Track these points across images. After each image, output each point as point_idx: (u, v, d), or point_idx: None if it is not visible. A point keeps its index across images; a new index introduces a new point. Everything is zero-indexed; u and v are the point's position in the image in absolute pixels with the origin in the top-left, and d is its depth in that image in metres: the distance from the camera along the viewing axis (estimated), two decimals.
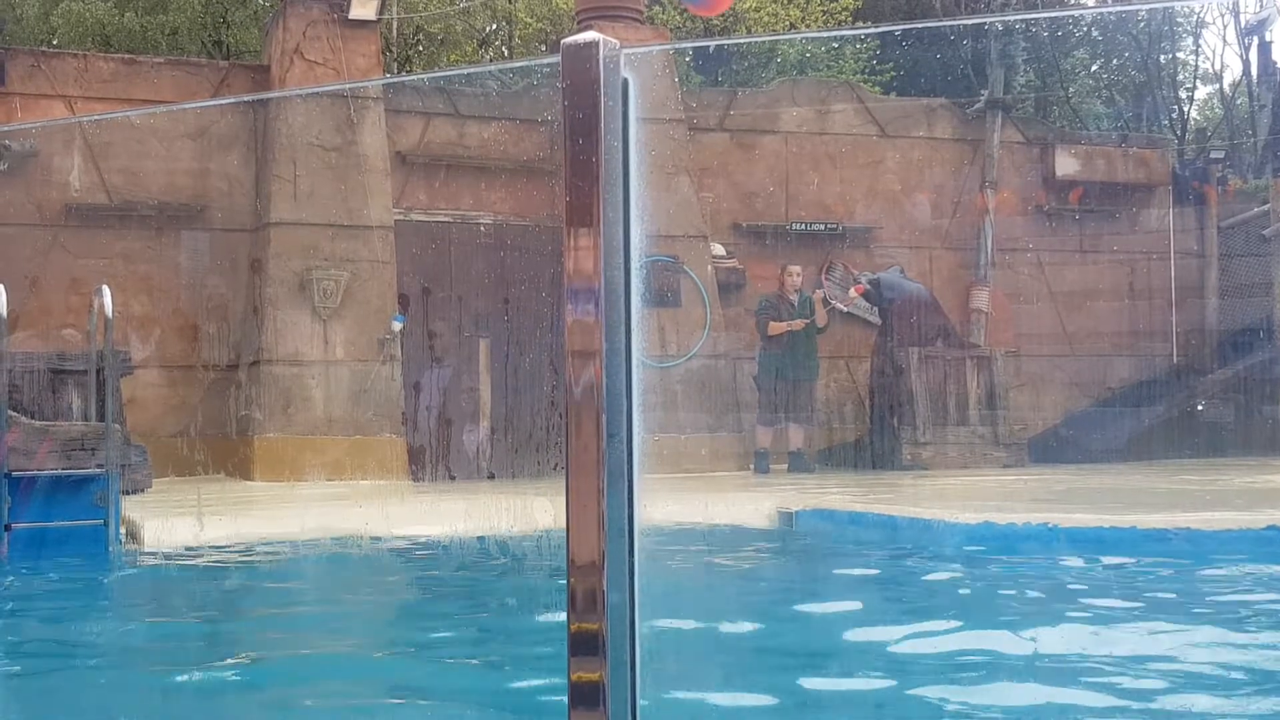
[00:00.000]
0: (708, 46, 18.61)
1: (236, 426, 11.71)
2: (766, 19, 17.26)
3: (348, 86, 12.17)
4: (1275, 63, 17.66)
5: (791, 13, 17.48)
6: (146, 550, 7.21)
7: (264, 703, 4.10)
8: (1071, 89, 19.88)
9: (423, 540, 7.75)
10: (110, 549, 7.12)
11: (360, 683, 4.39)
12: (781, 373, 12.41)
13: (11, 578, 6.67)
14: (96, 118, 12.01)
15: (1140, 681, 4.02)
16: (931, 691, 3.97)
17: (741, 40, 20.01)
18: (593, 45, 1.52)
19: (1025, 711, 3.73)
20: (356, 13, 11.83)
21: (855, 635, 4.94)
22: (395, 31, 16.50)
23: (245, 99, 11.86)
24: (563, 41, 1.56)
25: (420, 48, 18.04)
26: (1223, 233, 15.52)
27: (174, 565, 7.00)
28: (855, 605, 5.59)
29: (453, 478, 12.07)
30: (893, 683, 4.15)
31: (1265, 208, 15.48)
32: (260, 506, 9.01)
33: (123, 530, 7.34)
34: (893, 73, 18.14)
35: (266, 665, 4.70)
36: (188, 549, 7.26)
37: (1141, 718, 3.67)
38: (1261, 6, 18.40)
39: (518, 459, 12.28)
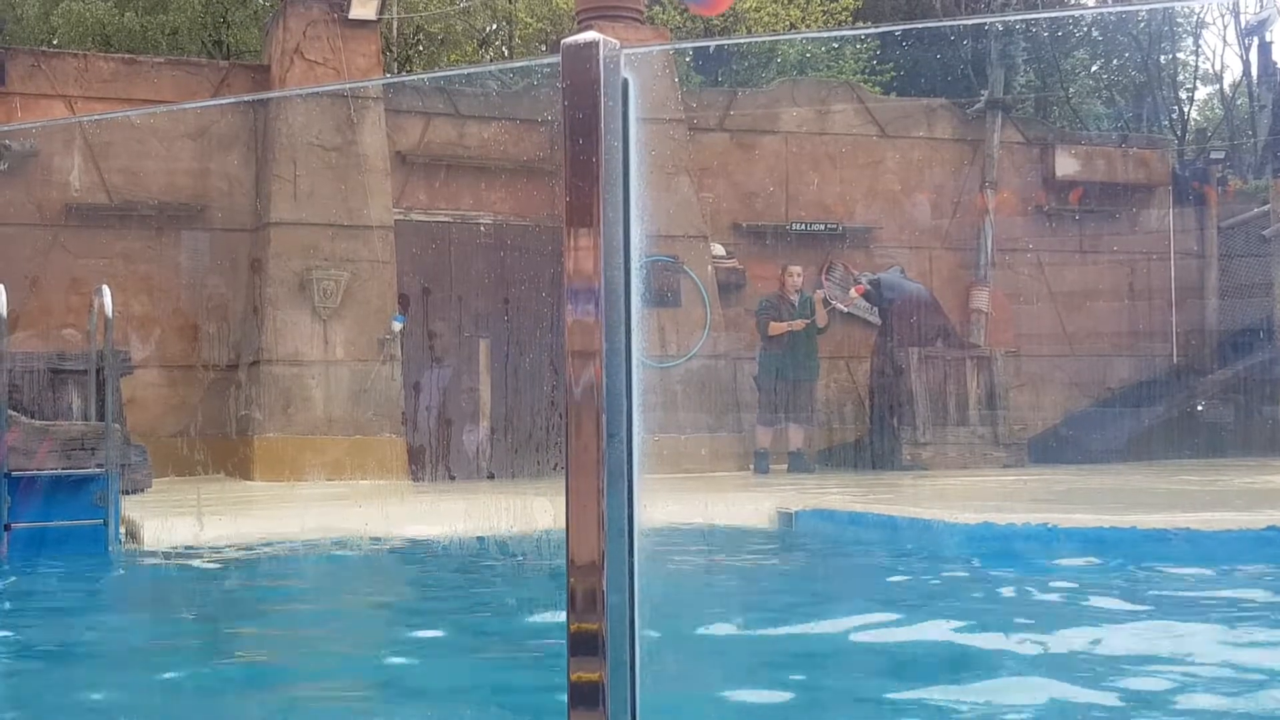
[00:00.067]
0: (708, 46, 18.62)
1: (236, 426, 11.71)
2: (767, 19, 17.26)
3: (348, 86, 12.17)
4: (1275, 63, 17.66)
5: (791, 13, 17.48)
6: (146, 550, 7.21)
7: (264, 702, 4.10)
8: (1071, 89, 19.88)
9: (422, 540, 7.75)
10: (110, 549, 7.13)
11: (360, 682, 4.39)
12: (782, 373, 12.41)
13: (11, 577, 6.67)
14: (97, 117, 12.01)
15: (1139, 682, 4.02)
16: (931, 691, 3.97)
17: (742, 40, 20.01)
18: (593, 45, 1.52)
19: (1025, 711, 3.73)
20: (357, 12, 11.84)
21: (855, 635, 4.94)
22: (395, 31, 16.50)
23: (245, 99, 11.86)
24: (563, 41, 1.56)
25: (420, 48, 18.04)
26: (1223, 233, 15.52)
27: (174, 565, 7.00)
28: (855, 605, 5.59)
29: (453, 478, 12.07)
30: (893, 683, 4.15)
31: (1265, 208, 15.47)
32: (260, 506, 9.01)
33: (122, 530, 7.34)
34: (893, 73, 18.14)
35: (266, 665, 4.70)
36: (187, 549, 7.26)
37: (1140, 717, 3.67)
38: (1261, 7, 18.41)
39: (518, 459, 12.28)
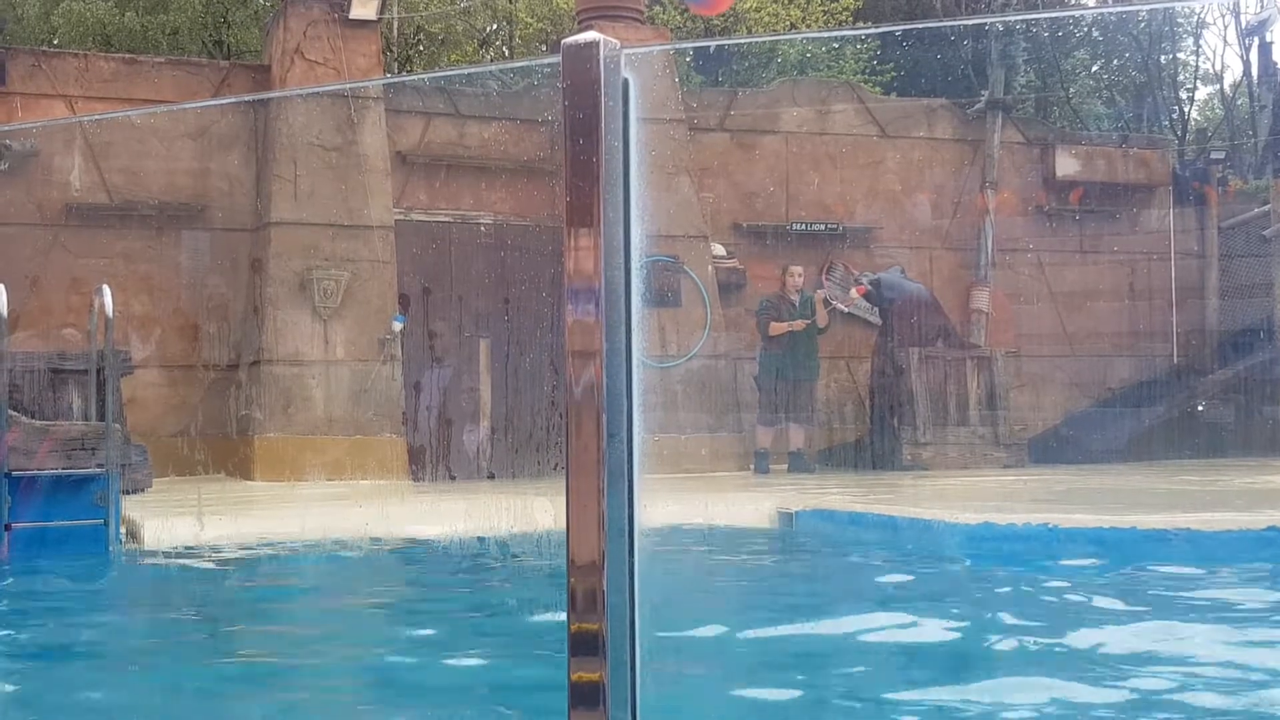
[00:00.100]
0: (708, 46, 18.62)
1: (237, 426, 11.71)
2: (767, 19, 17.26)
3: (348, 86, 12.17)
4: (1276, 63, 17.66)
5: (792, 13, 17.48)
6: (147, 550, 7.21)
7: (263, 702, 4.10)
8: (1072, 89, 19.88)
9: (423, 540, 7.75)
10: (110, 549, 7.13)
11: (360, 682, 4.39)
12: (782, 373, 12.41)
13: (12, 577, 6.68)
14: (97, 117, 12.01)
15: (1139, 682, 4.02)
16: (932, 691, 3.97)
17: (742, 40, 20.01)
18: (593, 45, 1.52)
19: (1026, 711, 3.73)
20: (357, 12, 11.83)
21: (855, 635, 4.94)
22: (396, 31, 16.50)
23: (246, 99, 11.86)
24: (563, 42, 1.56)
25: (421, 48, 18.04)
26: (1223, 233, 15.51)
27: (174, 565, 6.99)
28: (855, 605, 5.59)
29: (453, 478, 12.06)
30: (893, 683, 4.15)
31: (1266, 208, 15.47)
32: (260, 506, 9.01)
33: (123, 530, 7.34)
34: (893, 73, 18.14)
35: (266, 665, 4.70)
36: (188, 549, 7.26)
37: (1140, 717, 3.67)
38: (1262, 7, 18.41)
39: (518, 459, 12.28)
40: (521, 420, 12.37)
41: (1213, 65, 23.58)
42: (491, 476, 12.16)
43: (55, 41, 16.14)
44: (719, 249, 13.24)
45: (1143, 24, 19.18)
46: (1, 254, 11.03)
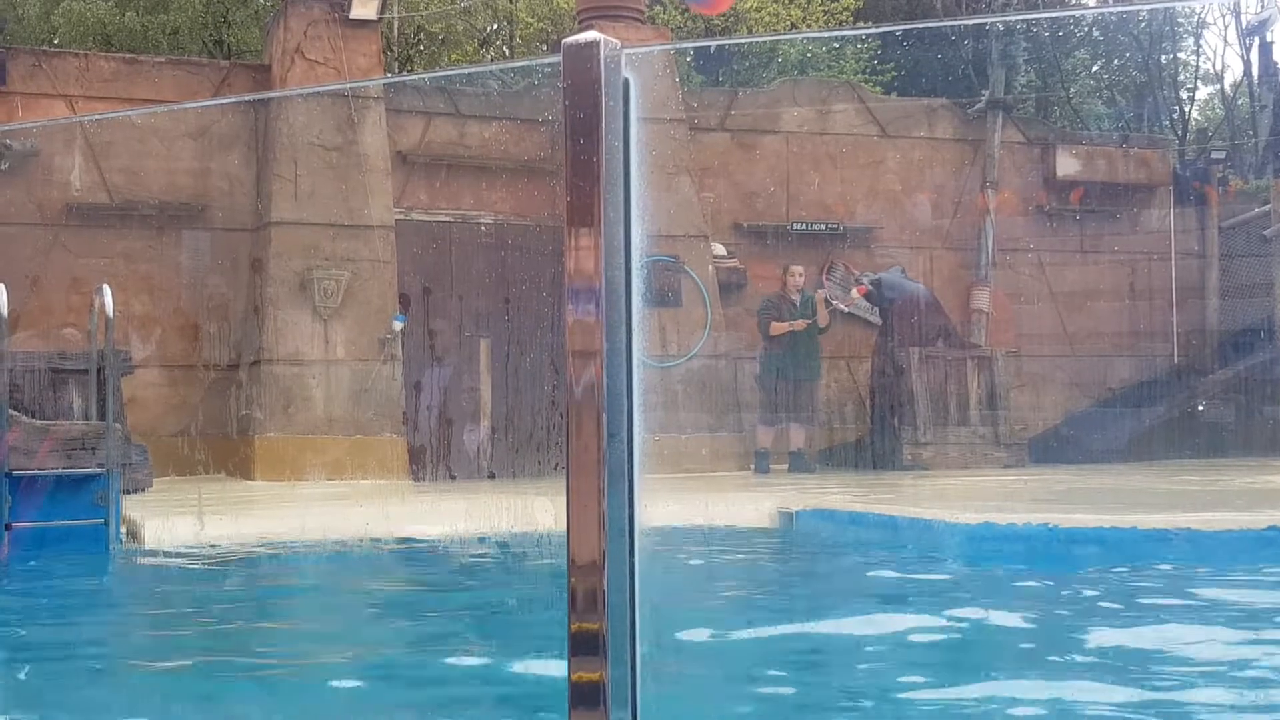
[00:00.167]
0: (709, 46, 18.62)
1: (237, 426, 11.71)
2: (767, 19, 17.25)
3: (349, 86, 12.17)
4: (1276, 63, 17.66)
5: (792, 13, 17.48)
6: (147, 550, 7.21)
7: (263, 702, 4.10)
8: (1072, 89, 19.87)
9: (423, 540, 7.75)
10: (111, 548, 7.13)
11: (360, 682, 4.38)
12: (783, 373, 12.41)
13: (12, 577, 6.68)
14: (97, 117, 12.01)
15: (1139, 681, 4.02)
16: (932, 691, 3.97)
17: (742, 40, 20.01)
18: (594, 45, 1.52)
19: (1026, 711, 3.73)
20: (357, 12, 11.83)
21: (855, 635, 4.94)
22: (396, 31, 16.50)
23: (246, 98, 11.86)
24: (564, 41, 1.56)
25: (421, 47, 18.04)
26: (1223, 233, 15.51)
27: (174, 564, 7.00)
28: (855, 605, 5.59)
29: (453, 477, 12.06)
30: (893, 683, 4.15)
31: (1266, 208, 15.47)
32: (261, 506, 9.01)
33: (123, 529, 7.34)
34: (894, 73, 18.13)
35: (266, 664, 4.70)
36: (188, 548, 7.26)
37: (1140, 717, 3.67)
38: (1262, 7, 18.40)
39: (518, 459, 12.28)
40: (522, 420, 12.37)
41: (1213, 65, 23.61)
42: (492, 476, 12.16)
43: (55, 41, 16.14)
44: (719, 249, 13.24)
45: (1143, 24, 19.18)
46: (2, 254, 11.03)
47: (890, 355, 12.95)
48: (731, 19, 16.99)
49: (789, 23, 17.38)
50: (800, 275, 12.72)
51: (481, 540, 7.65)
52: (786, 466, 12.19)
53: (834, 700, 4.02)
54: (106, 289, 7.64)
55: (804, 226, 13.83)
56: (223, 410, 11.86)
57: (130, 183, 11.79)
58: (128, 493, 8.32)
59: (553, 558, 6.35)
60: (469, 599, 6.35)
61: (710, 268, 12.83)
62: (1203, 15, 20.45)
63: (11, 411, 7.57)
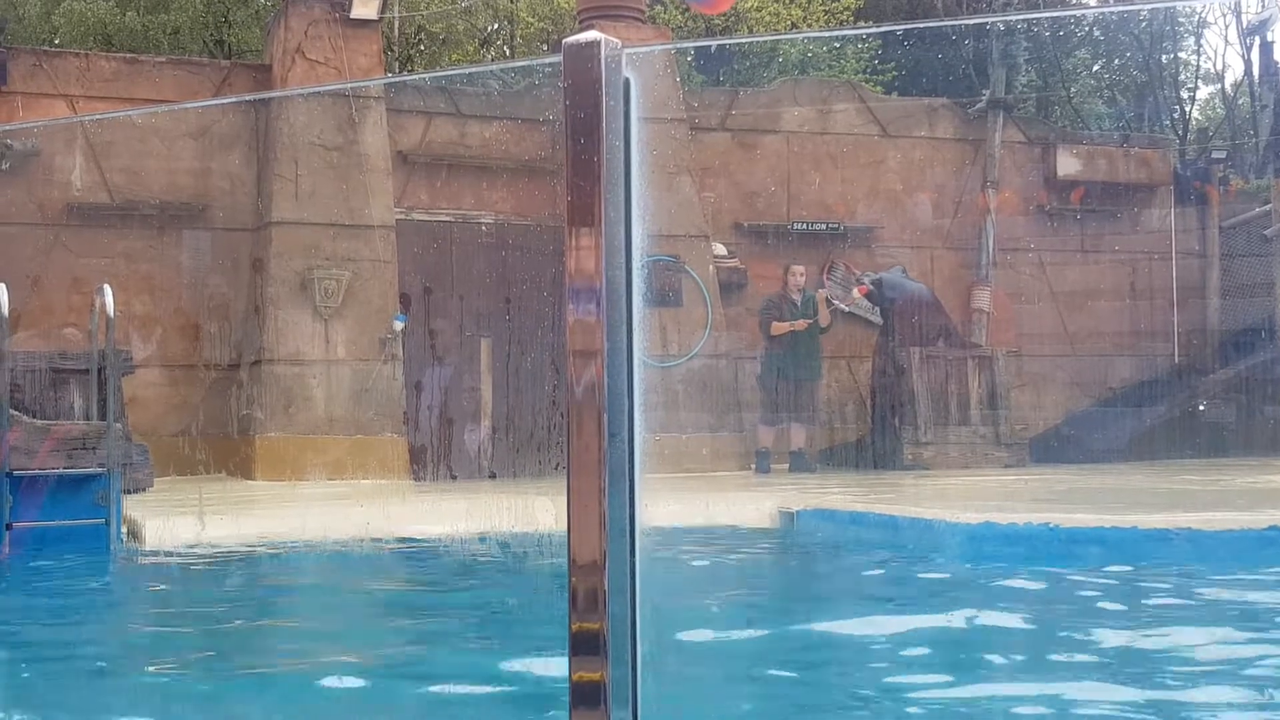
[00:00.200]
0: (709, 46, 18.61)
1: (238, 426, 11.71)
2: (768, 18, 17.25)
3: (349, 86, 12.17)
4: (1277, 63, 17.65)
5: (793, 12, 17.48)
6: (148, 549, 7.21)
7: (264, 702, 4.10)
8: (1073, 89, 19.87)
9: (424, 540, 7.75)
10: (111, 548, 7.13)
11: (360, 682, 4.38)
12: (784, 372, 12.41)
13: (13, 577, 6.68)
14: (98, 117, 12.01)
15: (1139, 681, 4.02)
16: (932, 691, 3.97)
17: (743, 40, 20.01)
18: (594, 45, 1.52)
19: (1026, 710, 3.73)
20: (358, 12, 11.83)
21: (856, 635, 4.94)
22: (397, 31, 16.50)
23: (247, 98, 11.86)
24: (564, 41, 1.56)
25: (422, 47, 18.04)
26: (1224, 233, 15.51)
27: (175, 564, 7.00)
28: (856, 605, 5.59)
29: (454, 477, 12.06)
30: (893, 682, 4.15)
31: (1267, 208, 15.47)
32: (261, 506, 9.01)
33: (124, 529, 7.34)
34: (894, 72, 18.13)
35: (266, 664, 4.70)
36: (189, 548, 7.26)
37: (1140, 716, 3.66)
38: (1263, 6, 18.40)
39: (519, 458, 12.28)
40: (523, 420, 12.37)
41: (1214, 65, 23.61)
42: (493, 476, 12.16)
43: (56, 41, 16.15)
44: (720, 249, 13.24)
45: (1144, 23, 19.17)
46: (3, 253, 11.03)
47: (891, 355, 12.95)
48: (732, 19, 16.99)
49: (789, 22, 17.38)
50: (801, 275, 12.72)
51: (482, 540, 7.65)
52: (787, 466, 12.19)
53: (834, 700, 4.02)
54: (107, 289, 7.64)
55: (805, 226, 13.83)
56: (223, 410, 11.86)
57: (131, 182, 11.79)
58: (128, 492, 8.32)
59: (553, 557, 6.35)
60: (470, 599, 6.35)
61: (711, 267, 12.83)
62: (1203, 15, 20.46)
63: (12, 411, 7.57)
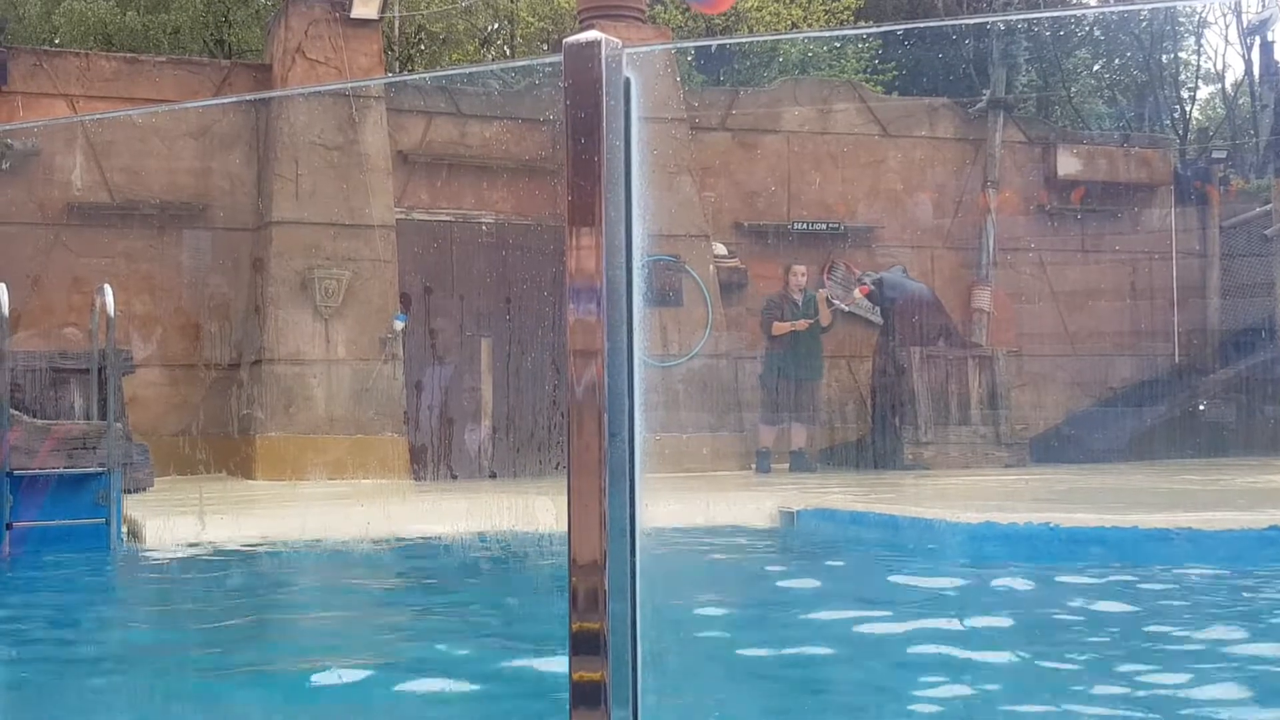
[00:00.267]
0: (710, 46, 18.61)
1: (238, 425, 11.71)
2: (768, 18, 17.25)
3: (350, 85, 12.17)
4: (1277, 62, 17.65)
5: (793, 12, 17.48)
6: (148, 549, 7.21)
7: (264, 702, 4.10)
8: (1073, 88, 19.87)
9: (424, 539, 7.75)
10: (112, 547, 7.13)
11: (360, 682, 4.38)
12: (785, 372, 12.41)
13: (13, 576, 6.68)
14: (98, 116, 12.01)
15: (1139, 681, 4.02)
16: (933, 691, 3.97)
17: (743, 40, 20.01)
18: (595, 45, 1.52)
19: (1026, 709, 3.73)
20: (358, 12, 11.83)
21: (856, 635, 4.94)
22: (397, 30, 16.50)
23: (247, 98, 11.86)
24: (565, 41, 1.56)
25: (422, 47, 18.04)
26: (1225, 232, 15.51)
27: (175, 564, 7.00)
28: (856, 605, 5.59)
29: (454, 477, 12.06)
30: (894, 682, 4.15)
31: (1267, 208, 15.47)
32: (262, 505, 9.01)
33: (124, 529, 7.35)
34: (895, 72, 18.13)
35: (267, 664, 4.70)
36: (189, 548, 7.26)
37: (1139, 716, 3.67)
38: (1263, 6, 18.39)
39: (519, 458, 12.28)
40: (523, 419, 12.37)
41: (1214, 64, 23.58)
42: (493, 476, 12.16)
43: (56, 41, 16.15)
44: (720, 248, 13.24)
45: (1144, 23, 19.17)
46: (3, 253, 11.03)
47: (891, 355, 12.95)
48: (732, 18, 16.98)
49: (790, 22, 17.38)
50: (803, 275, 12.72)
51: (482, 540, 7.65)
52: (787, 466, 12.19)
53: (835, 700, 4.02)
54: (107, 288, 7.64)
55: (805, 226, 13.83)
56: (224, 410, 11.86)
57: (131, 182, 11.79)
58: (129, 492, 8.32)
59: (553, 557, 6.35)
60: (470, 598, 6.35)
61: (711, 267, 12.83)
62: (1203, 15, 20.46)
63: (13, 411, 7.57)
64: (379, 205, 11.83)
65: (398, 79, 13.89)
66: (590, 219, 1.52)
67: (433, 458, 12.05)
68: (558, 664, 1.58)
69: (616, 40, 1.53)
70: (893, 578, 6.40)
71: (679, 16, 16.84)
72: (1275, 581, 6.14)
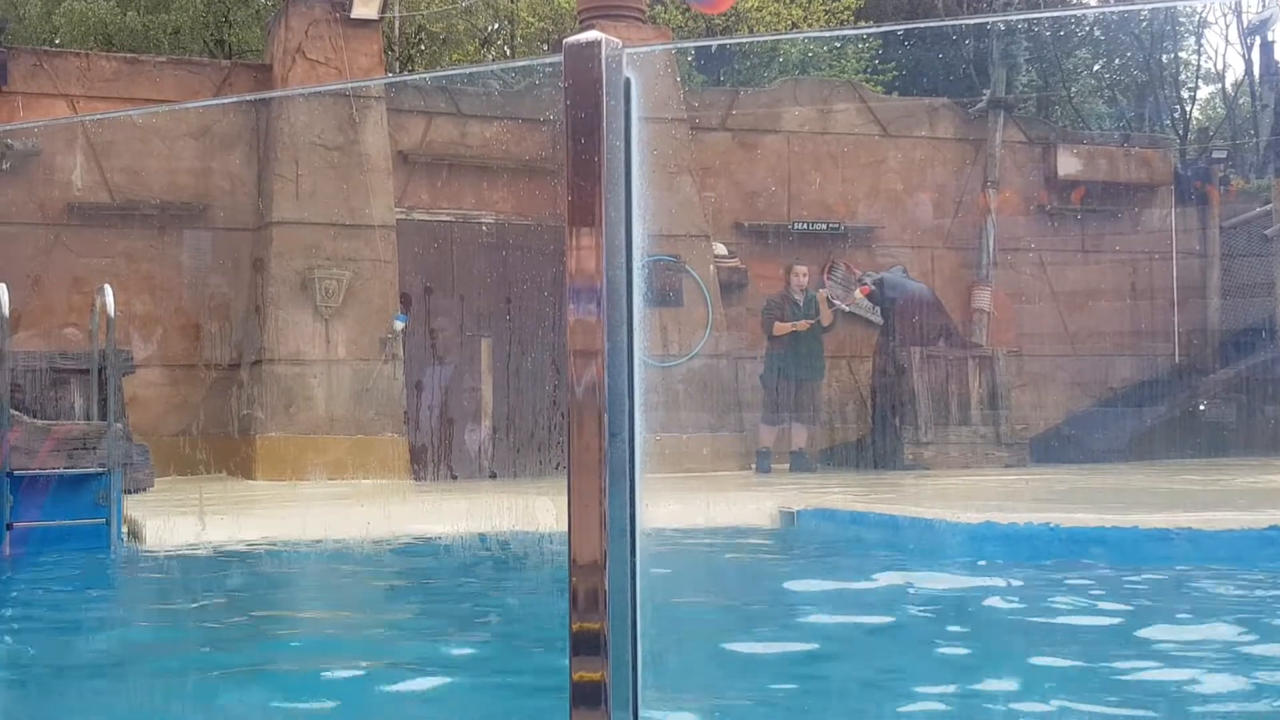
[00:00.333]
0: (710, 46, 18.61)
1: (238, 425, 11.71)
2: (768, 18, 17.25)
3: (350, 86, 12.17)
4: (1277, 62, 17.65)
5: (793, 12, 17.48)
6: (148, 549, 7.21)
7: (264, 702, 4.10)
8: (1074, 88, 19.87)
9: (424, 539, 7.75)
10: (112, 548, 7.13)
11: (360, 682, 4.38)
12: (786, 372, 12.41)
13: (13, 576, 6.68)
14: (99, 117, 12.01)
15: (1139, 681, 4.02)
16: (933, 691, 3.97)
17: (743, 40, 20.02)
18: (595, 45, 1.52)
19: (1026, 710, 3.73)
20: (359, 12, 11.84)
21: (856, 635, 4.94)
22: (397, 30, 16.50)
23: (247, 98, 11.86)
24: (565, 41, 1.56)
25: (422, 47, 18.05)
26: (1225, 232, 15.51)
27: (176, 564, 7.00)
28: (856, 605, 5.59)
29: (454, 477, 12.06)
30: (894, 682, 4.15)
31: (1267, 208, 15.47)
32: (262, 506, 9.01)
33: (124, 529, 7.34)
34: (895, 72, 18.13)
35: (267, 665, 4.70)
36: (189, 548, 7.26)
37: (1139, 716, 3.67)
38: (1264, 6, 18.39)
39: (520, 458, 12.28)
40: (523, 420, 12.37)
41: (1214, 64, 23.59)
42: (493, 476, 12.16)
43: (57, 41, 16.15)
44: (720, 248, 13.24)
45: (1144, 23, 19.17)
46: (3, 253, 11.03)
47: (892, 355, 12.95)
48: (732, 18, 16.99)
49: (790, 22, 17.38)
50: (804, 275, 12.71)
51: (482, 540, 7.65)
52: (788, 466, 12.19)
53: (835, 700, 4.02)
54: (108, 288, 7.64)
55: (805, 226, 13.83)
56: (224, 410, 11.86)
57: (132, 182, 11.79)
58: (129, 492, 8.32)
59: (554, 557, 6.35)
60: (470, 598, 6.35)
61: (711, 267, 12.83)
62: (1204, 15, 20.46)
63: (13, 411, 7.57)
64: (379, 205, 11.83)
65: (398, 79, 13.90)
66: (590, 219, 1.52)
67: (433, 458, 12.05)
68: (558, 664, 1.58)
69: (616, 40, 1.53)
70: (893, 578, 6.39)
71: (679, 16, 16.84)
72: (1276, 581, 6.14)
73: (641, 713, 1.53)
